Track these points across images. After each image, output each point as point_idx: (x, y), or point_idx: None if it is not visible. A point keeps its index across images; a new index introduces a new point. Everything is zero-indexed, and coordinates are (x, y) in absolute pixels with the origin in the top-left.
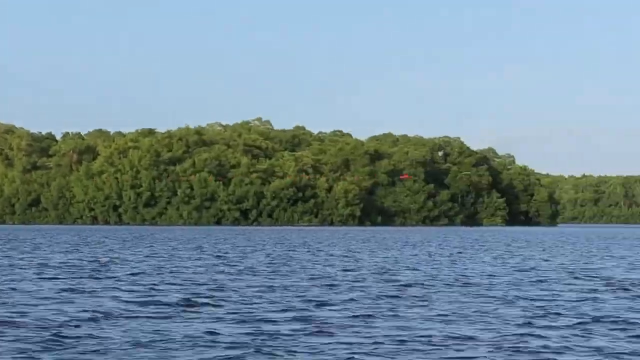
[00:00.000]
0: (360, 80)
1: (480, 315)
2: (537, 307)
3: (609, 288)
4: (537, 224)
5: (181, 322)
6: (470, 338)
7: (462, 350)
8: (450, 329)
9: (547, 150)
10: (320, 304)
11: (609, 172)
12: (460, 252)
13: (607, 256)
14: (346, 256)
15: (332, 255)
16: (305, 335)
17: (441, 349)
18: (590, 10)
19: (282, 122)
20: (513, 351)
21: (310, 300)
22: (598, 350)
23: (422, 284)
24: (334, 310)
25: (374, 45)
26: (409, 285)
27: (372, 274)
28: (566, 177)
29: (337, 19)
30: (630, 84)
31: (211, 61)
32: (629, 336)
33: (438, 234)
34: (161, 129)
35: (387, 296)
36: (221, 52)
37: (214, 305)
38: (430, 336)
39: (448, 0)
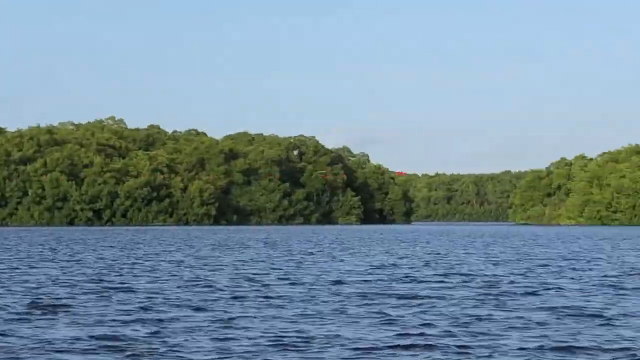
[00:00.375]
0: (214, 79)
1: (339, 314)
2: (396, 304)
3: (467, 284)
4: (392, 221)
5: (33, 326)
6: (328, 337)
7: (317, 350)
8: (310, 328)
9: (401, 149)
10: (181, 306)
11: (461, 171)
12: (319, 251)
13: (464, 253)
14: (207, 256)
15: (189, 255)
16: (163, 338)
17: (298, 349)
18: (419, 10)
19: (136, 121)
20: (369, 349)
21: (170, 302)
22: (456, 347)
23: (283, 283)
24: (194, 310)
25: (225, 45)
26: (268, 285)
27: (232, 274)
28: (420, 175)
29: (188, 16)
30: (479, 87)
31: (63, 59)
32: (486, 333)
33: (295, 232)
34: (11, 128)
35: (248, 297)
36: (73, 50)
37: (68, 308)
38: (289, 336)
39: (289, 2)
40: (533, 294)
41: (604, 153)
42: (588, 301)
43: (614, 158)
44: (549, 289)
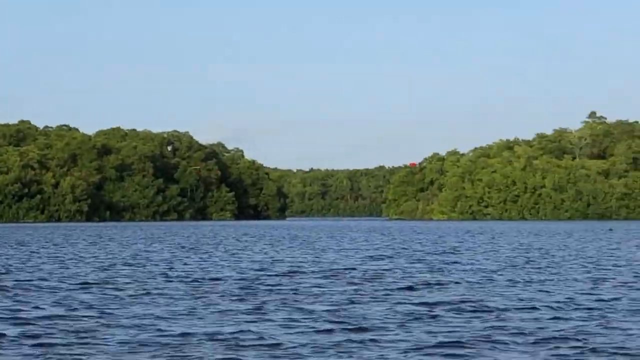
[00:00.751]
0: (86, 73)
1: (216, 312)
2: (274, 300)
3: (345, 279)
4: (267, 217)
5: None
6: (206, 334)
7: (195, 346)
8: (185, 325)
9: (276, 144)
10: (54, 303)
11: (336, 167)
12: (193, 248)
13: (340, 248)
14: (81, 252)
15: (62, 250)
16: (34, 338)
17: (174, 347)
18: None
19: (6, 116)
20: (249, 346)
21: (42, 300)
22: (332, 343)
23: (160, 280)
24: (69, 309)
25: (103, 39)
26: (145, 282)
27: (108, 271)
28: (294, 171)
29: (72, 9)
30: (354, 82)
31: None
32: (363, 329)
33: (169, 228)
34: None
35: (124, 294)
36: None
37: None
38: (165, 335)
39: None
40: (412, 288)
41: (476, 148)
42: (467, 295)
43: (485, 153)
44: (428, 283)
